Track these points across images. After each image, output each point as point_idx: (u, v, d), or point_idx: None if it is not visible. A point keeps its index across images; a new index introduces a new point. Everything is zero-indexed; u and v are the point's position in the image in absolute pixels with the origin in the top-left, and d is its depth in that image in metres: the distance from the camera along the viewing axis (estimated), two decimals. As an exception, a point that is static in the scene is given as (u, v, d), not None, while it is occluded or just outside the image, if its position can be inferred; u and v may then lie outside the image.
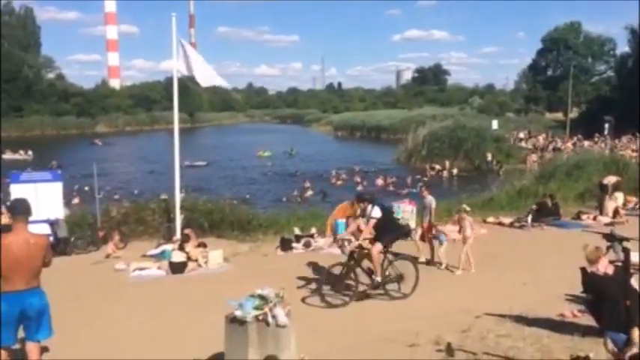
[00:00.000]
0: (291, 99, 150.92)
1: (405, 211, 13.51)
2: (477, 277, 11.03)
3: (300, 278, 10.62)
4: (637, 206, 17.78)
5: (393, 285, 9.63)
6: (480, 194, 19.85)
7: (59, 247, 12.68)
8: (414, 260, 10.21)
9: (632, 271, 7.75)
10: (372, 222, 9.35)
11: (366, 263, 9.70)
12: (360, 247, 9.59)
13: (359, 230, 9.83)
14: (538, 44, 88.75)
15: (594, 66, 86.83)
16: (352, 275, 9.41)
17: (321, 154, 50.04)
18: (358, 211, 10.55)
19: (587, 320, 7.27)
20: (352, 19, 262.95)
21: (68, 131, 79.00)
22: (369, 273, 9.53)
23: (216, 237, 14.41)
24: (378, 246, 9.40)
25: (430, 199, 12.27)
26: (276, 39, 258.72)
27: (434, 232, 12.26)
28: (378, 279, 9.42)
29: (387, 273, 9.54)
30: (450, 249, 11.94)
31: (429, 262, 11.99)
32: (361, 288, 9.53)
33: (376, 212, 9.37)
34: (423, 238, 12.55)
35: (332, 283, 9.55)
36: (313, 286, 10.02)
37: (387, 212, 9.84)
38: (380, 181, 31.16)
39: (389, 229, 9.57)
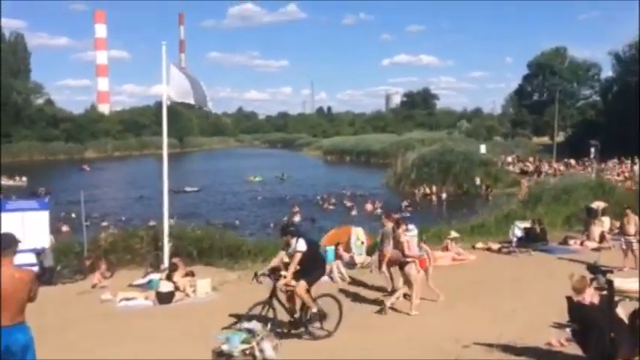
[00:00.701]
0: (281, 123, 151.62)
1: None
2: (467, 304, 11.01)
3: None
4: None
5: (315, 324, 9.08)
6: (469, 219, 19.93)
7: (45, 276, 12.54)
8: (336, 297, 9.50)
9: (618, 298, 7.81)
10: (298, 256, 8.70)
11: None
12: (286, 285, 8.88)
13: (283, 265, 9.20)
14: (525, 69, 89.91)
15: (579, 90, 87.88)
16: (273, 313, 8.74)
17: (311, 179, 50.21)
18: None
19: (574, 349, 7.28)
20: (341, 43, 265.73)
21: (57, 156, 78.83)
22: (291, 312, 9.01)
23: (204, 265, 14.32)
24: (303, 283, 8.80)
25: (388, 227, 11.87)
26: (267, 64, 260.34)
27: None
28: (314, 310, 8.92)
29: (308, 313, 8.98)
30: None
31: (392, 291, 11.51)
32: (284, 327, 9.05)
33: (301, 245, 8.74)
34: (385, 265, 11.89)
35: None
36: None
37: (314, 246, 9.22)
38: (369, 206, 31.28)
39: (314, 266, 9.02)
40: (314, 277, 9.04)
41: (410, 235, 11.39)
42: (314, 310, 8.92)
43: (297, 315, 9.01)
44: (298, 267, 8.75)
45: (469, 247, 16.40)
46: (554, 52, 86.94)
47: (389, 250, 11.71)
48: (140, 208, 31.39)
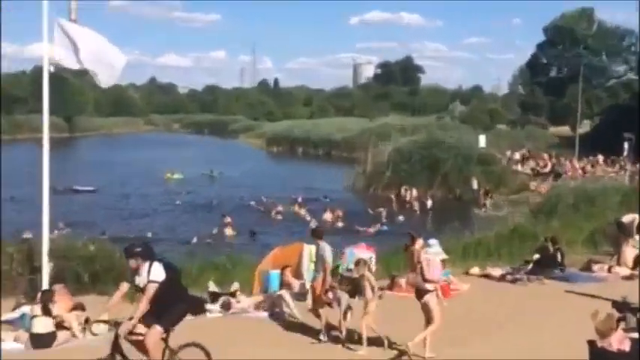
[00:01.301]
0: (210, 100, 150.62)
1: (360, 260, 13.14)
2: (456, 351, 11.16)
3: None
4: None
5: None
6: (462, 236, 20.16)
7: None
8: (203, 346, 8.60)
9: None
10: (152, 288, 7.96)
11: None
12: (132, 332, 8.09)
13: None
14: (539, 35, 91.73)
15: (610, 66, 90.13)
16: None
17: (250, 178, 50.12)
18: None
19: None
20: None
21: None
22: None
23: (98, 294, 14.07)
24: (157, 330, 8.02)
25: (323, 247, 11.66)
26: (191, 17, 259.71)
27: (330, 294, 11.49)
28: None
29: None
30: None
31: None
32: None
33: (157, 274, 8.02)
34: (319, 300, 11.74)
35: None
36: None
37: (173, 273, 8.35)
38: (328, 215, 31.34)
39: (172, 301, 8.21)
40: (174, 316, 8.27)
41: (432, 252, 11.28)
42: None
43: None
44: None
45: (461, 274, 16.63)
46: (577, 14, 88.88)
47: (319, 280, 11.56)
48: (10, 214, 30.66)
